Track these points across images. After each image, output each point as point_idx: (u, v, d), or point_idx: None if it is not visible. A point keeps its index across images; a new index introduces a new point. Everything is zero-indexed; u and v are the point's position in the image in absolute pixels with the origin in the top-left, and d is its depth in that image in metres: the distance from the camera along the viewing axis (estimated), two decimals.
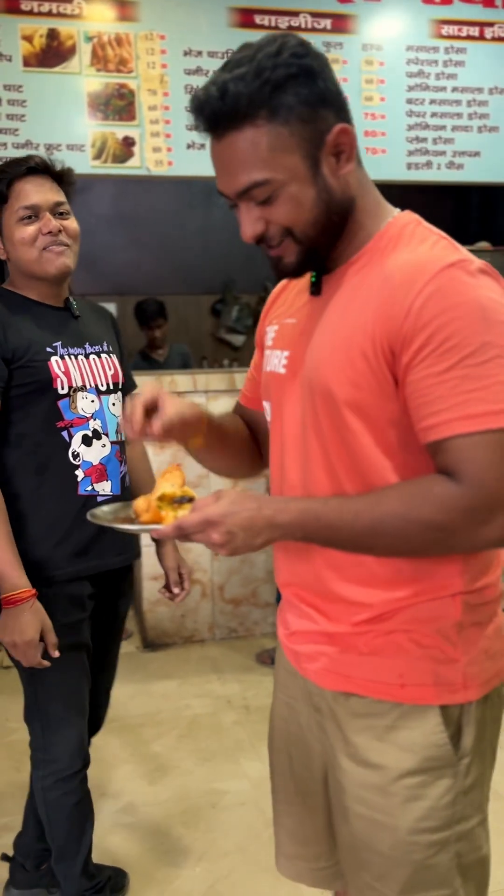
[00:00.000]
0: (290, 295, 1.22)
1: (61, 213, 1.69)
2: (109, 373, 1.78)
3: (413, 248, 1.02)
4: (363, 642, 1.10)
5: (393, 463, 1.03)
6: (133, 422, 1.09)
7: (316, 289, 1.11)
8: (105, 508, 1.25)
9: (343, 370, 1.02)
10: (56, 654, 1.64)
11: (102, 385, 1.75)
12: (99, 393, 1.74)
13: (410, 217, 1.08)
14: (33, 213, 1.65)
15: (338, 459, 1.07)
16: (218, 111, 0.95)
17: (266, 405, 1.23)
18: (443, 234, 1.05)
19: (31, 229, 1.65)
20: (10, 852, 2.05)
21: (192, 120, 0.99)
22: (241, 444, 1.34)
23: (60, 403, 1.68)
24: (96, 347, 1.77)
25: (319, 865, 1.30)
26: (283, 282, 1.25)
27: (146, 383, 1.16)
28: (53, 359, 1.67)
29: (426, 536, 0.98)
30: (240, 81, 0.94)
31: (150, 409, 1.11)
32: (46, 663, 1.63)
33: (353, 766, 1.12)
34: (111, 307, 5.63)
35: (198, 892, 2.06)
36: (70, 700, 1.77)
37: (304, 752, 1.26)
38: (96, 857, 1.93)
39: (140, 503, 1.14)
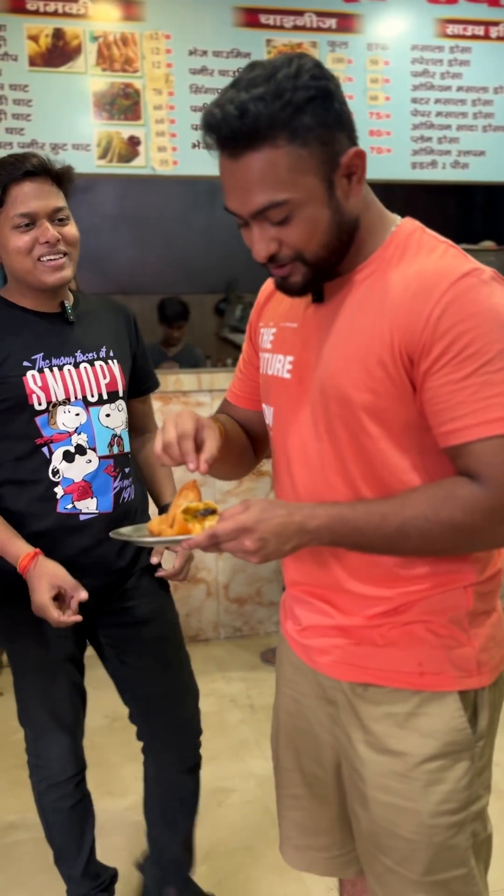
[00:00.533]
0: (284, 296, 1.21)
1: (60, 220, 1.59)
2: (103, 381, 1.68)
3: (423, 257, 1.04)
4: (379, 634, 1.13)
5: (410, 464, 1.06)
6: (181, 453, 1.09)
7: (318, 296, 1.12)
8: (127, 528, 1.25)
9: (360, 377, 1.04)
10: (84, 595, 1.56)
11: (92, 396, 1.66)
12: (87, 405, 1.65)
13: (413, 225, 1.10)
14: (30, 221, 1.56)
15: (354, 464, 1.09)
16: (237, 130, 0.94)
17: (266, 408, 1.24)
18: (448, 241, 1.08)
19: (26, 238, 1.56)
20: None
21: (204, 137, 0.99)
22: (242, 446, 1.35)
23: (38, 420, 1.60)
24: (89, 355, 1.68)
25: (332, 854, 1.32)
26: (273, 284, 1.24)
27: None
28: (30, 373, 1.60)
29: (452, 537, 1.02)
30: (259, 102, 0.93)
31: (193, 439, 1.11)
32: (72, 619, 1.55)
33: (373, 755, 1.15)
34: None
35: (204, 890, 2.06)
36: (54, 711, 1.74)
37: (313, 746, 1.28)
38: (101, 857, 1.94)
39: (154, 525, 1.15)
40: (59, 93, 3.51)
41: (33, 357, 1.62)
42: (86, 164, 3.53)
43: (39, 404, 1.60)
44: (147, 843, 1.96)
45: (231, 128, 0.94)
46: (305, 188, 0.97)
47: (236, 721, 2.97)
